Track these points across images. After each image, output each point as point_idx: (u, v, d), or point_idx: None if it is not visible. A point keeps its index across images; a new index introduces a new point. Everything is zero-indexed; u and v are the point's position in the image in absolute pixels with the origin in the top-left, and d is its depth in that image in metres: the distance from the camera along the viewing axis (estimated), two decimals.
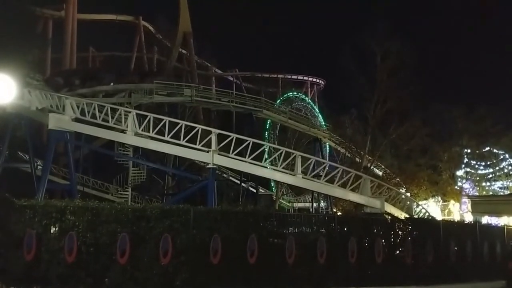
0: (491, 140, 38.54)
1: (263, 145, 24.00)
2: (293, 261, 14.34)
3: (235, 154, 22.90)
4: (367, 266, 15.54)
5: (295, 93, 52.63)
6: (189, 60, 55.31)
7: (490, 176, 37.79)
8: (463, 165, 38.83)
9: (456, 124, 40.04)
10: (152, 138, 23.95)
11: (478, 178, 37.97)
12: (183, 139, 23.24)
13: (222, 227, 13.99)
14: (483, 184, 37.83)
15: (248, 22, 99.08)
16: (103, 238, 13.61)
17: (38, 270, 13.66)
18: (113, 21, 60.17)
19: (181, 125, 23.61)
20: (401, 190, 31.58)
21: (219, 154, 22.87)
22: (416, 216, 24.54)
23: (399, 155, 39.10)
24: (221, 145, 23.07)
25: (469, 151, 39.24)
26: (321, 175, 23.68)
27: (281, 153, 23.35)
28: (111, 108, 25.23)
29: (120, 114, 24.72)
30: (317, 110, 53.39)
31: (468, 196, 33.83)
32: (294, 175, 23.17)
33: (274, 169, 23.77)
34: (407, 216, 22.11)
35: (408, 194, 31.10)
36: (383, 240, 16.20)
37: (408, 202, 25.90)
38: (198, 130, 23.14)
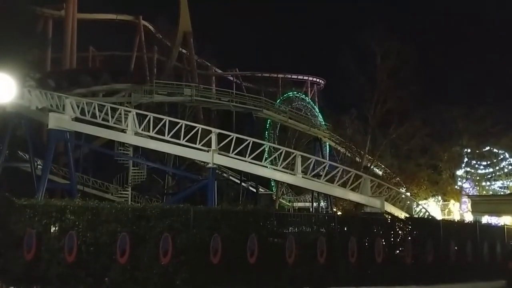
0: (491, 139, 38.52)
1: (263, 144, 23.98)
2: (293, 261, 14.34)
3: (235, 154, 22.88)
4: (367, 266, 15.53)
5: (295, 92, 52.63)
6: (189, 60, 55.35)
7: (490, 175, 37.75)
8: (463, 165, 38.81)
9: (456, 124, 40.01)
10: (152, 137, 23.93)
11: (478, 178, 37.95)
12: (183, 139, 23.21)
13: (222, 227, 13.99)
14: (483, 183, 37.80)
15: (248, 21, 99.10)
16: (103, 238, 13.62)
17: (38, 269, 13.66)
18: (113, 20, 60.14)
19: (181, 125, 23.59)
20: (401, 189, 31.56)
21: (219, 153, 22.85)
22: (416, 216, 24.55)
23: (399, 155, 39.11)
24: (221, 144, 23.05)
25: (469, 150, 39.23)
26: (321, 175, 23.66)
27: (281, 152, 23.33)
28: (111, 107, 25.21)
29: (120, 114, 24.69)
30: (317, 109, 53.38)
31: (468, 196, 33.80)
32: (294, 174, 23.16)
33: (274, 169, 23.76)
34: (407, 215, 22.13)
35: (408, 194, 31.09)
36: (383, 240, 16.20)
37: (408, 202, 25.89)
38: (198, 129, 23.12)
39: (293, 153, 23.83)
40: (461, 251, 17.61)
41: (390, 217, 19.68)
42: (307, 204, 44.45)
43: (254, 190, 37.29)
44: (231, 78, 66.84)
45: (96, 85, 38.53)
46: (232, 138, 22.77)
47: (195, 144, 23.02)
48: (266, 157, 23.32)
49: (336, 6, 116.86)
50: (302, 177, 23.13)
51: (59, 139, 26.84)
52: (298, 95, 52.88)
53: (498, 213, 27.05)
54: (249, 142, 23.02)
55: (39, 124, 33.33)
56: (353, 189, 23.29)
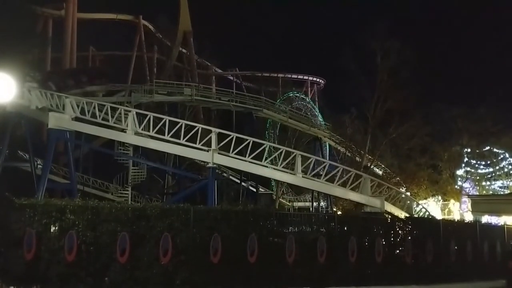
0: (491, 139, 38.53)
1: (263, 144, 23.97)
2: (293, 261, 14.33)
3: (235, 153, 22.88)
4: (367, 266, 15.53)
5: (295, 92, 52.65)
6: (189, 59, 55.40)
7: (490, 175, 37.74)
8: (463, 165, 38.80)
9: (456, 124, 40.06)
10: (152, 137, 23.93)
11: (478, 178, 37.93)
12: (183, 138, 23.21)
13: (222, 227, 13.98)
14: (483, 183, 37.78)
15: (248, 21, 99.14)
16: (103, 237, 13.60)
17: (38, 269, 13.63)
18: (113, 20, 60.17)
19: (181, 124, 23.57)
20: (401, 189, 31.57)
21: (219, 153, 22.85)
22: (416, 216, 24.56)
23: (399, 155, 39.14)
24: (221, 144, 23.04)
25: (469, 150, 39.22)
26: (321, 174, 23.66)
27: (281, 152, 23.33)
28: (111, 107, 25.21)
29: (120, 113, 24.69)
30: (317, 109, 53.39)
31: (468, 196, 33.79)
32: (294, 174, 23.15)
33: (274, 168, 23.76)
34: (407, 215, 22.15)
35: (408, 194, 31.10)
36: (383, 240, 16.20)
37: (408, 202, 25.89)
38: (198, 129, 23.12)
39: (293, 152, 23.83)
40: (461, 250, 17.60)
41: (390, 216, 19.69)
42: (307, 203, 44.47)
43: (254, 190, 37.33)
44: (231, 78, 66.88)
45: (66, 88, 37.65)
46: (232, 138, 22.76)
47: (195, 143, 23.02)
48: (266, 157, 23.30)
49: (336, 5, 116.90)
50: (302, 176, 23.12)
51: (59, 139, 26.84)
52: (298, 94, 52.91)
53: (498, 212, 27.04)
54: (249, 142, 23.02)
55: (39, 123, 33.35)
56: (353, 189, 23.29)
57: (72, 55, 50.09)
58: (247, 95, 43.56)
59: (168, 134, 23.31)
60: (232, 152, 22.77)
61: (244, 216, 14.62)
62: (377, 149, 36.03)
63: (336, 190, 23.88)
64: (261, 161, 23.12)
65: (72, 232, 13.57)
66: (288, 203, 46.92)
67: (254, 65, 65.94)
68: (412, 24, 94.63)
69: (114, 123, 24.79)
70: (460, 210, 36.37)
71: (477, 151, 38.71)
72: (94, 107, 25.39)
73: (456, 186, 39.19)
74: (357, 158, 36.49)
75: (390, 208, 23.16)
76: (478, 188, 37.47)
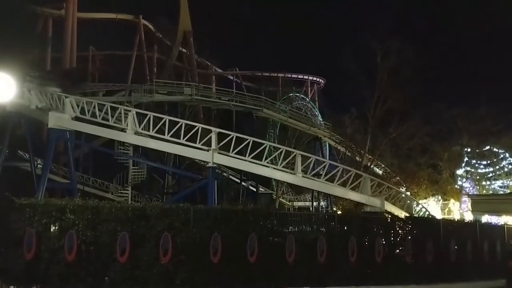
0: (491, 139, 38.52)
1: (263, 144, 23.98)
2: (293, 260, 14.34)
3: (235, 153, 22.89)
4: (367, 265, 15.54)
5: (295, 92, 52.61)
6: (189, 59, 55.34)
7: (490, 175, 37.74)
8: (463, 164, 38.79)
9: (456, 123, 40.05)
10: (152, 137, 23.93)
11: (478, 177, 37.92)
12: (183, 138, 23.21)
13: (222, 226, 13.99)
14: (483, 183, 37.77)
15: (248, 21, 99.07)
16: (103, 237, 13.62)
17: (38, 269, 13.64)
18: (113, 20, 60.16)
19: (181, 124, 23.57)
20: (401, 189, 31.56)
21: (219, 153, 22.86)
22: (416, 215, 24.56)
23: (399, 154, 39.09)
24: (221, 144, 23.05)
25: (469, 150, 39.21)
26: (321, 174, 23.68)
27: (281, 152, 23.34)
28: (111, 106, 25.19)
29: (120, 113, 24.68)
30: (317, 109, 53.36)
31: (468, 195, 33.77)
32: (294, 174, 23.17)
33: (274, 168, 23.76)
34: (407, 215, 22.16)
35: (408, 193, 31.10)
36: (383, 239, 16.22)
37: (408, 201, 25.90)
38: (198, 129, 23.12)
39: (293, 152, 23.84)
40: (461, 250, 17.61)
41: (390, 216, 19.69)
42: (307, 203, 44.43)
43: (254, 190, 37.30)
44: (231, 78, 66.87)
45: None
46: (232, 138, 22.77)
47: (195, 143, 23.02)
48: (266, 157, 23.29)
49: (336, 5, 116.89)
50: (302, 176, 23.14)
51: (59, 138, 26.83)
52: (298, 94, 52.86)
53: (498, 212, 27.05)
54: (249, 142, 23.03)
55: (39, 123, 33.29)
56: (353, 189, 23.30)
57: (72, 55, 50.06)
58: (247, 94, 43.55)
59: (168, 134, 23.31)
60: (232, 151, 22.78)
61: (244, 215, 14.63)
62: (377, 148, 36.00)
63: (336, 190, 23.88)
64: (261, 160, 23.12)
65: (72, 231, 13.58)
66: (288, 202, 46.88)
67: (254, 64, 65.93)
68: (412, 24, 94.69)
69: (114, 122, 24.78)
70: (460, 210, 36.38)
71: (477, 150, 38.71)
72: (94, 107, 25.38)
73: (456, 186, 39.18)
74: (357, 158, 36.48)
75: (390, 207, 23.16)
76: (478, 187, 37.46)
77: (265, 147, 23.46)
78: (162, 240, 13.31)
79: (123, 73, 59.01)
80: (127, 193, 32.85)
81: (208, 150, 22.65)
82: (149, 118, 23.98)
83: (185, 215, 13.94)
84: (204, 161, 24.77)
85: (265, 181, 40.63)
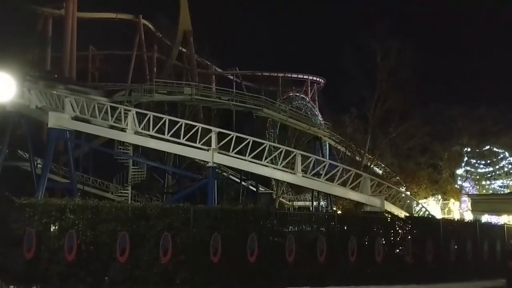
0: (491, 139, 38.58)
1: (263, 143, 23.97)
2: (293, 260, 14.33)
3: (235, 153, 22.87)
4: (367, 265, 15.53)
5: (295, 93, 52.63)
6: (189, 59, 55.33)
7: (490, 174, 37.77)
8: (463, 164, 38.83)
9: (456, 123, 40.10)
10: (152, 136, 23.91)
11: (478, 177, 37.95)
12: (183, 138, 23.20)
13: (222, 226, 13.98)
14: (483, 182, 37.81)
15: (248, 20, 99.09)
16: (103, 237, 13.61)
17: (38, 268, 13.63)
18: (113, 19, 60.07)
19: (181, 124, 23.55)
20: (401, 188, 31.56)
21: (219, 152, 22.85)
22: (416, 215, 24.56)
23: (399, 154, 39.10)
24: (221, 143, 23.04)
25: (469, 150, 39.26)
26: (321, 174, 23.67)
27: (281, 151, 23.34)
28: (110, 106, 25.18)
29: (120, 113, 24.67)
30: (317, 108, 53.35)
31: (468, 195, 33.79)
32: (294, 173, 23.16)
33: (274, 168, 23.77)
34: (407, 214, 22.17)
35: (408, 193, 31.11)
36: (383, 239, 16.21)
37: (408, 201, 25.89)
38: (198, 128, 23.11)
39: (293, 152, 23.83)
40: (461, 250, 17.61)
41: (390, 216, 19.73)
42: (307, 203, 44.44)
43: (254, 189, 37.29)
44: (231, 77, 66.84)
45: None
46: (232, 137, 22.76)
47: (195, 143, 23.01)
48: (266, 156, 23.29)
49: (336, 5, 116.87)
50: (302, 176, 23.14)
51: (59, 138, 26.82)
52: (298, 94, 52.88)
53: (498, 212, 27.07)
54: (249, 141, 23.03)
55: (39, 123, 33.29)
56: (353, 188, 23.28)
57: (72, 55, 49.99)
58: (247, 94, 43.51)
59: (168, 134, 23.30)
60: (232, 151, 22.77)
61: (244, 215, 14.61)
62: (377, 148, 36.01)
63: (336, 190, 23.88)
64: (261, 160, 23.12)
65: (72, 231, 13.58)
66: (288, 202, 46.91)
67: (254, 64, 65.94)
68: (412, 24, 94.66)
69: (114, 122, 24.76)
70: (460, 210, 36.37)
71: (477, 150, 38.75)
72: (94, 107, 25.36)
73: (456, 186, 39.21)
74: (357, 158, 36.49)
75: (390, 207, 23.16)
76: (478, 187, 37.48)
77: (265, 147, 23.45)
78: (162, 240, 13.31)
79: (123, 73, 59.07)
80: (127, 193, 32.85)
81: (208, 150, 22.64)
82: (149, 117, 23.96)
83: (185, 215, 13.94)
84: (204, 161, 24.75)
85: (265, 180, 40.66)
